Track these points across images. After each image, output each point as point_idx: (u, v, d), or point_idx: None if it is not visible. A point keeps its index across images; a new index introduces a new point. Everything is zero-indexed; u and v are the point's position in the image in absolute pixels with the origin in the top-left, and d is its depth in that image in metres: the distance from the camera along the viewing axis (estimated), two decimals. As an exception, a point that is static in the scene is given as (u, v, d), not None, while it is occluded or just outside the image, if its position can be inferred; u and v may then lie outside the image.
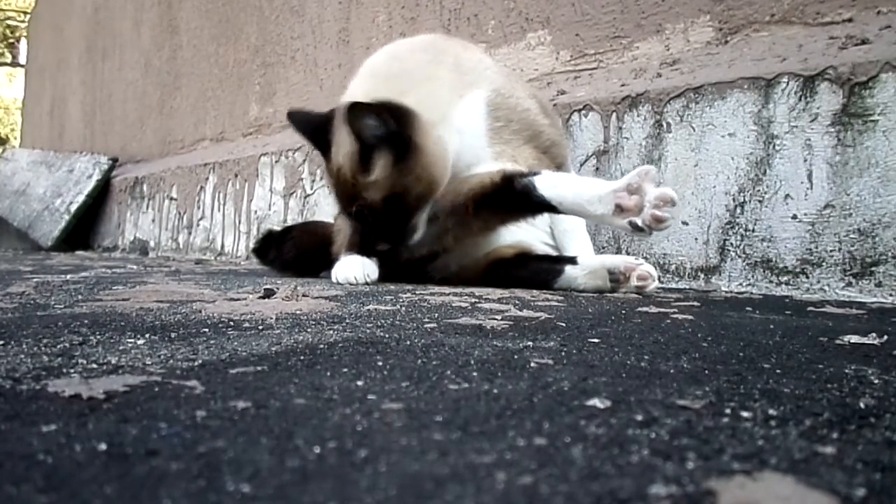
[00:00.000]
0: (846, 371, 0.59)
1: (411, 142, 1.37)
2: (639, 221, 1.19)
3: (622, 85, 1.85)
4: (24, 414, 0.41)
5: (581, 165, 1.83)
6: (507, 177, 1.39)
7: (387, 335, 0.73)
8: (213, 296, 1.11)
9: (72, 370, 0.53)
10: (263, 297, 1.07)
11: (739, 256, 1.53)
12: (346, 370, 0.55)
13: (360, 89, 1.47)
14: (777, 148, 1.49)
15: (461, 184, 1.44)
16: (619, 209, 1.20)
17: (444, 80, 1.47)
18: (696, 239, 1.61)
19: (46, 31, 6.96)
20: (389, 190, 1.37)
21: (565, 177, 1.41)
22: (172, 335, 0.71)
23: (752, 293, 1.47)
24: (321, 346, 0.66)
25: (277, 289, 1.14)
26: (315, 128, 1.51)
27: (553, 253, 1.53)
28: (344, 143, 1.41)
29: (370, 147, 1.36)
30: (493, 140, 1.50)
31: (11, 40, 16.28)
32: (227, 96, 3.86)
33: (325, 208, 2.75)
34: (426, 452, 0.36)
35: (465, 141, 1.47)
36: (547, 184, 1.34)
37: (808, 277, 1.43)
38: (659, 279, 1.46)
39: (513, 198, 1.38)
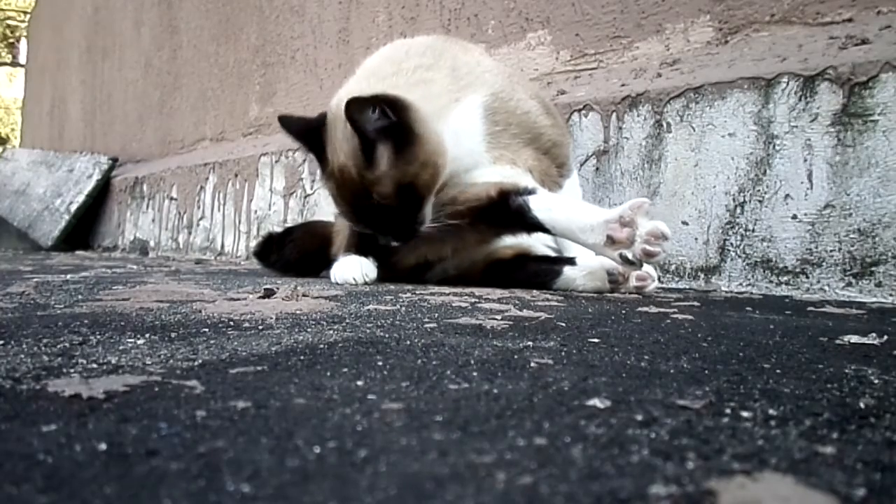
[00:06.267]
0: (846, 371, 0.59)
1: (411, 131, 1.36)
2: (629, 255, 1.19)
3: (622, 85, 1.85)
4: (24, 414, 0.41)
5: (581, 165, 1.83)
6: (503, 193, 1.39)
7: (387, 335, 0.73)
8: (213, 296, 1.11)
9: (72, 370, 0.53)
10: (263, 297, 1.07)
11: (739, 256, 1.53)
12: (346, 370, 0.55)
13: (355, 88, 1.47)
14: (777, 148, 1.49)
15: (458, 194, 1.44)
16: (611, 240, 1.20)
17: (441, 85, 1.47)
18: (696, 239, 1.61)
19: (46, 31, 6.95)
20: (399, 180, 1.36)
21: (560, 200, 1.40)
22: (172, 335, 0.71)
23: (752, 293, 1.47)
24: (321, 346, 0.66)
25: (277, 289, 1.14)
26: (308, 131, 1.49)
27: (552, 254, 1.53)
28: (343, 142, 1.40)
29: (371, 141, 1.36)
30: (491, 144, 1.50)
31: (11, 40, 16.28)
32: (227, 96, 3.86)
33: (325, 208, 2.74)
34: (426, 452, 0.35)
35: (462, 145, 1.46)
36: (541, 206, 1.34)
37: (808, 277, 1.43)
38: (659, 279, 1.46)
39: (508, 215, 1.38)
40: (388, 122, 1.34)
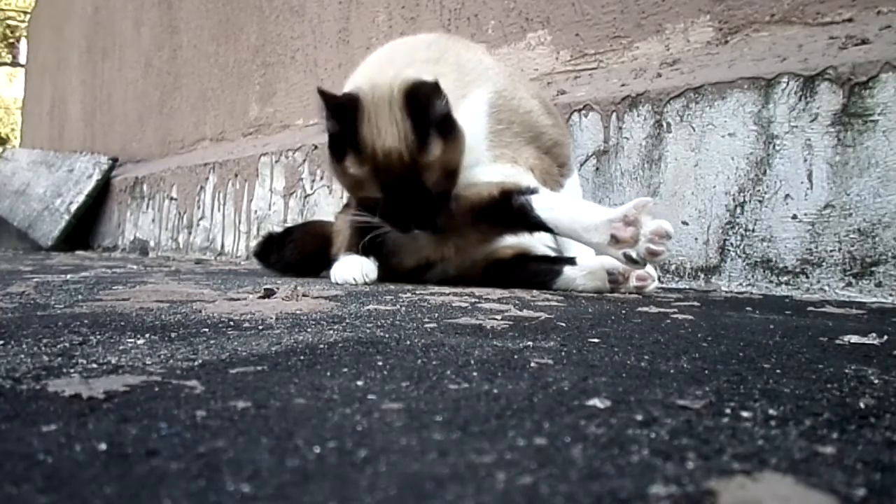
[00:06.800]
0: (846, 371, 0.59)
1: (454, 121, 1.37)
2: (633, 254, 1.19)
3: (622, 85, 1.85)
4: (24, 414, 0.41)
5: (581, 165, 1.83)
6: (506, 192, 1.38)
7: (387, 335, 0.73)
8: (213, 296, 1.11)
9: (72, 370, 0.53)
10: (263, 297, 1.07)
11: (739, 256, 1.53)
12: (346, 370, 0.55)
13: (365, 77, 1.44)
14: (777, 148, 1.49)
15: (458, 192, 1.43)
16: (615, 239, 1.20)
17: (449, 79, 1.46)
18: (696, 239, 1.61)
19: (46, 31, 6.95)
20: (447, 167, 1.37)
21: (562, 199, 1.40)
22: (172, 335, 0.71)
23: (752, 293, 1.47)
24: (321, 346, 0.66)
25: (277, 289, 1.14)
26: (341, 108, 1.41)
27: (553, 254, 1.53)
28: (391, 126, 1.35)
29: (426, 127, 1.34)
30: (493, 143, 1.50)
31: (11, 40, 16.28)
32: (227, 96, 3.86)
33: (325, 208, 2.75)
34: (426, 452, 0.35)
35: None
36: (544, 205, 1.33)
37: (808, 277, 1.43)
38: (659, 279, 1.46)
39: (510, 215, 1.38)
40: (446, 110, 1.34)
